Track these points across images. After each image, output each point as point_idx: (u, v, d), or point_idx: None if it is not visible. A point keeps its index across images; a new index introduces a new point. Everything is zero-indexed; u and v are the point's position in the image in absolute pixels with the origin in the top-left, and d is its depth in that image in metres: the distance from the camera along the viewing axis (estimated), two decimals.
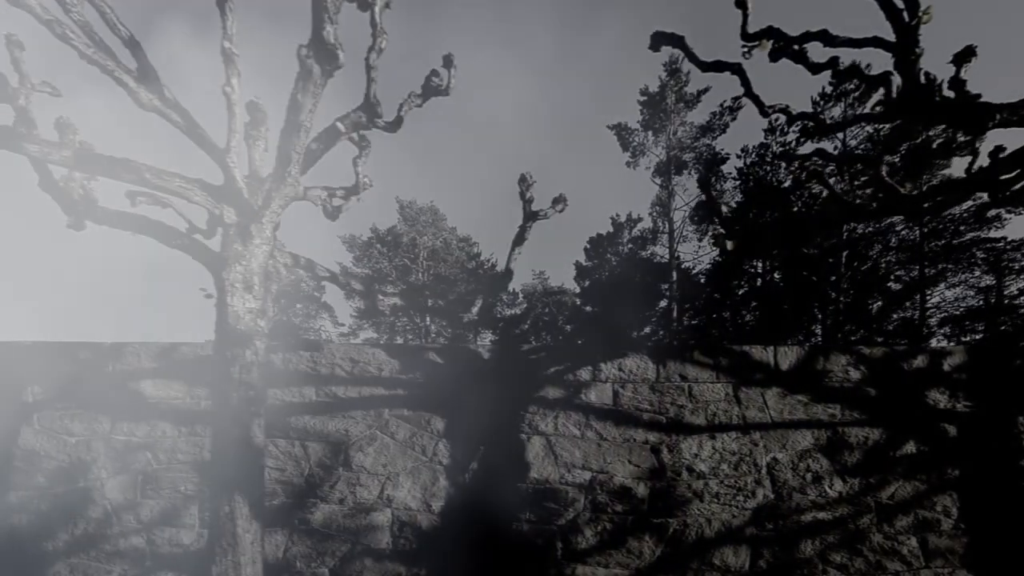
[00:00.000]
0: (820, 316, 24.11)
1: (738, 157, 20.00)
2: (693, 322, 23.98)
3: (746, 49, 3.51)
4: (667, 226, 20.45)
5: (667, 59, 19.06)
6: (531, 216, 4.55)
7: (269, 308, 3.21)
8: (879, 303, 23.09)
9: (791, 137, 19.90)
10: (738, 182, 20.97)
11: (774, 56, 3.50)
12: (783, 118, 20.36)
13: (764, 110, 3.93)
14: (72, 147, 2.64)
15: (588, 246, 23.08)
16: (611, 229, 22.95)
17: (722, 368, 4.61)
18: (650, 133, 19.76)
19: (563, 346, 4.66)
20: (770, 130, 20.18)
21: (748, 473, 4.58)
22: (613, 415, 4.61)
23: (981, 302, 21.27)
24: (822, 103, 18.33)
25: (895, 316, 23.02)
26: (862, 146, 18.71)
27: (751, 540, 4.59)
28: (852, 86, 18.20)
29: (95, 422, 4.62)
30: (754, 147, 20.08)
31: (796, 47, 3.39)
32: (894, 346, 4.67)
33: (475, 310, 4.58)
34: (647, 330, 24.38)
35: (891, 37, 3.18)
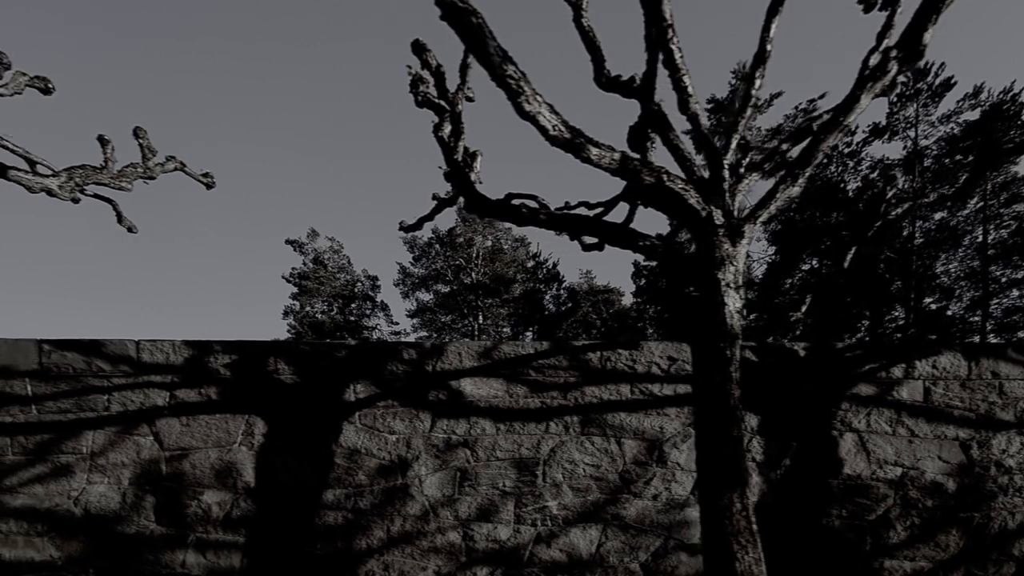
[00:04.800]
0: (870, 314, 24.25)
1: None
2: (748, 319, 24.10)
3: None
4: None
5: (736, 65, 19.18)
6: None
7: None
8: (937, 301, 23.25)
9: (859, 137, 20.01)
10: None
11: None
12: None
13: None
14: (619, 151, 2.70)
15: None
16: (669, 228, 23.07)
17: None
18: (716, 138, 19.84)
19: (879, 344, 4.73)
20: None
21: None
22: (924, 412, 4.69)
23: None
24: (899, 102, 18.44)
25: (953, 314, 23.17)
26: (934, 145, 18.84)
27: None
28: (924, 86, 18.31)
29: (416, 420, 4.68)
30: None
31: None
32: None
33: (804, 308, 4.64)
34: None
35: None
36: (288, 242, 27.31)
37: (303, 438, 4.68)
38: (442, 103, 3.37)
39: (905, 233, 19.20)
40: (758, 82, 2.83)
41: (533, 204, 4.23)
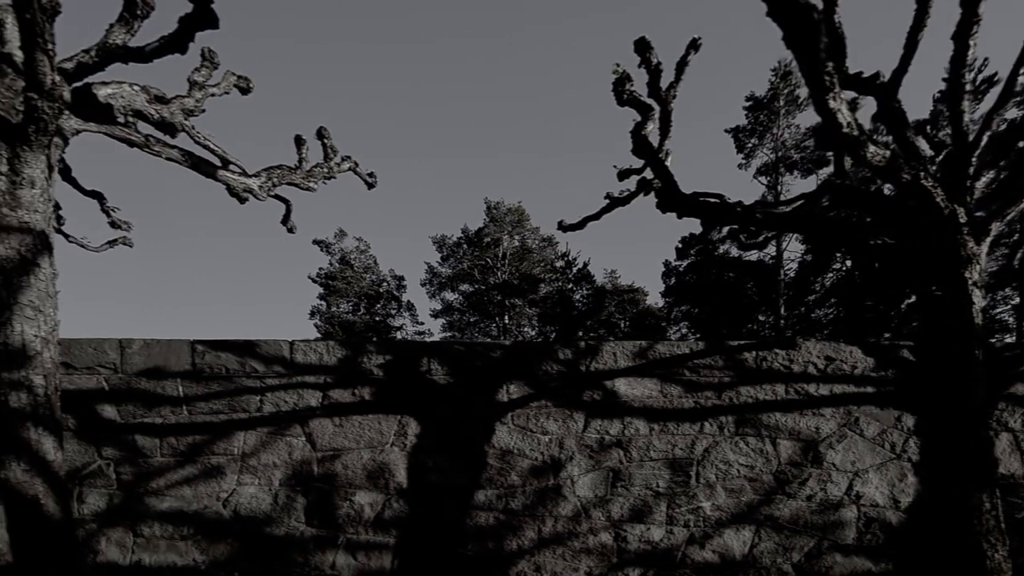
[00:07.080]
0: (893, 314, 24.21)
1: None
2: (779, 317, 24.10)
3: None
4: None
5: (777, 63, 19.17)
6: None
7: None
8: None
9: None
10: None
11: None
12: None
13: None
14: (889, 151, 2.67)
15: (680, 245, 23.20)
16: (701, 229, 23.03)
17: None
18: (755, 137, 19.91)
19: None
20: (872, 129, 20.20)
21: None
22: None
23: None
24: (944, 99, 18.36)
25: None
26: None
27: None
28: (967, 82, 18.21)
29: (569, 420, 4.65)
30: None
31: None
32: None
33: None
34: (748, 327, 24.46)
35: None
36: (315, 242, 27.37)
37: (455, 439, 4.66)
38: (651, 101, 3.35)
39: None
40: (1022, 79, 2.82)
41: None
